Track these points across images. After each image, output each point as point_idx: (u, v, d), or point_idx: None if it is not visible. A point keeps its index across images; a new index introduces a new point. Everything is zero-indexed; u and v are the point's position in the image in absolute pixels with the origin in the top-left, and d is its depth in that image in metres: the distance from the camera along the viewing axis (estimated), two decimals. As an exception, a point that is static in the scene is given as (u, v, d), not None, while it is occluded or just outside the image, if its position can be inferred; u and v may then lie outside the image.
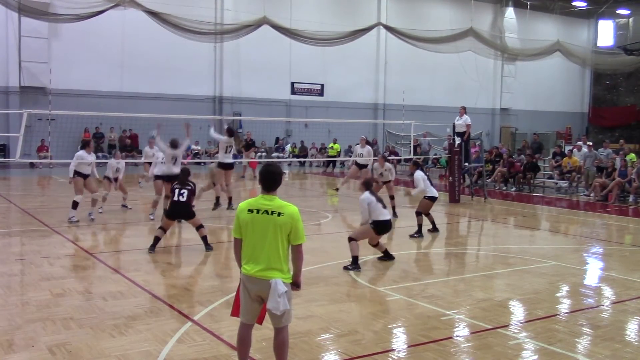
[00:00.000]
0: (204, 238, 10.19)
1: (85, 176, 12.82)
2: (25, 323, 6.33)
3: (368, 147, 17.46)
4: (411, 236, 11.74)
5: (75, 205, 12.56)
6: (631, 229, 14.46)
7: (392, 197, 14.49)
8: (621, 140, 25.55)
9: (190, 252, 10.15)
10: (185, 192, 10.20)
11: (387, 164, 14.90)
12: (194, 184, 10.61)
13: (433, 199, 11.90)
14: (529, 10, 38.42)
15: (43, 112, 18.59)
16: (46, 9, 25.09)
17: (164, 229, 10.19)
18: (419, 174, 12.01)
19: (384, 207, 9.23)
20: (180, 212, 10.21)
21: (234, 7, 30.49)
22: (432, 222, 12.23)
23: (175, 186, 10.32)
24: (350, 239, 9.16)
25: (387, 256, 9.63)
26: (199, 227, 10.22)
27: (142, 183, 18.68)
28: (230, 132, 14.85)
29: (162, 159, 13.59)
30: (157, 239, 10.03)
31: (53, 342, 5.78)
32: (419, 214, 11.83)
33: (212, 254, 9.95)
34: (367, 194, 9.18)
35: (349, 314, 6.87)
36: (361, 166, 17.04)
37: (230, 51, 30.92)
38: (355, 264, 8.97)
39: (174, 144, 13.16)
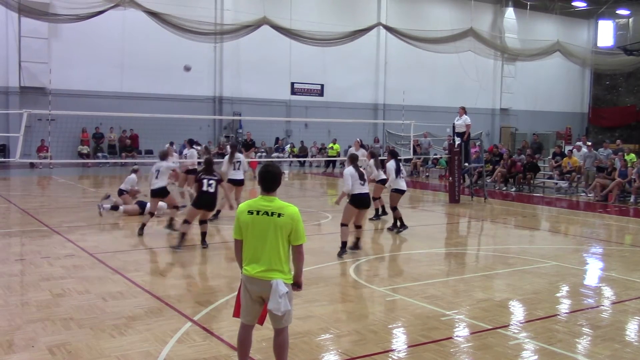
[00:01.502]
0: (204, 234, 10.29)
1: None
2: (25, 323, 6.33)
3: (363, 150, 16.89)
4: (389, 229, 12.40)
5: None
6: (631, 229, 14.46)
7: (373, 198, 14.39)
8: (618, 141, 25.51)
9: (190, 252, 10.14)
10: (213, 182, 10.09)
11: (371, 160, 14.49)
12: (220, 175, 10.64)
13: (401, 192, 12.13)
14: (528, 10, 38.43)
15: (43, 112, 18.62)
16: (46, 9, 25.10)
17: (188, 222, 10.08)
18: (390, 164, 12.15)
19: (363, 183, 9.84)
20: (207, 202, 10.11)
21: (234, 8, 30.50)
22: (399, 219, 12.39)
23: (203, 176, 10.15)
24: (342, 225, 9.89)
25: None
26: (203, 222, 10.28)
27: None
28: (234, 148, 14.11)
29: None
30: (183, 235, 10.03)
31: (53, 343, 5.78)
32: (394, 209, 12.15)
33: (212, 254, 9.95)
34: (351, 168, 9.87)
35: (349, 314, 6.87)
36: None
37: (230, 51, 30.93)
38: (343, 249, 9.79)
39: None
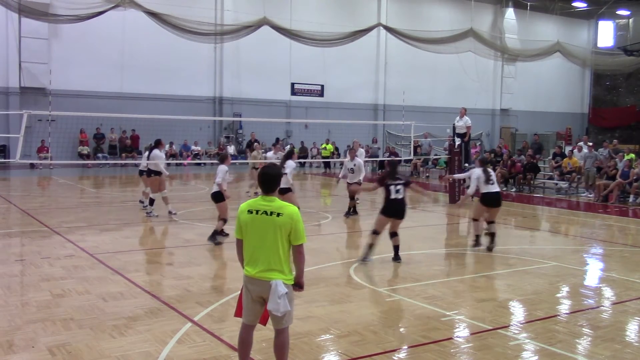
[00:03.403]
0: (396, 248, 9.61)
1: (159, 174, 13.55)
2: (25, 324, 6.33)
3: (362, 149, 16.56)
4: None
5: (152, 202, 13.46)
6: (631, 230, 14.45)
7: (351, 198, 14.39)
8: (615, 141, 25.49)
9: (191, 252, 10.14)
10: (400, 187, 9.32)
11: (358, 160, 14.52)
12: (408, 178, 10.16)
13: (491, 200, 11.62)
14: (529, 11, 38.44)
15: (43, 112, 18.61)
16: (46, 10, 25.10)
17: (377, 232, 9.45)
18: (477, 172, 11.94)
19: (492, 182, 10.51)
20: (398, 209, 9.35)
21: (234, 8, 30.51)
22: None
23: (389, 182, 9.32)
24: (473, 220, 10.84)
25: (491, 237, 10.67)
26: (394, 235, 9.51)
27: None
28: (288, 155, 13.30)
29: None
30: (370, 246, 9.43)
31: (53, 343, 5.78)
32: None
33: (212, 254, 9.95)
34: (479, 170, 10.55)
35: (349, 315, 6.86)
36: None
37: (230, 52, 30.94)
38: (477, 241, 10.74)
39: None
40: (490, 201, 10.54)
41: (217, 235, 10.65)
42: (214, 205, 10.99)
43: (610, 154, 21.18)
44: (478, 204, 10.79)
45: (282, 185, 11.46)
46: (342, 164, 16.75)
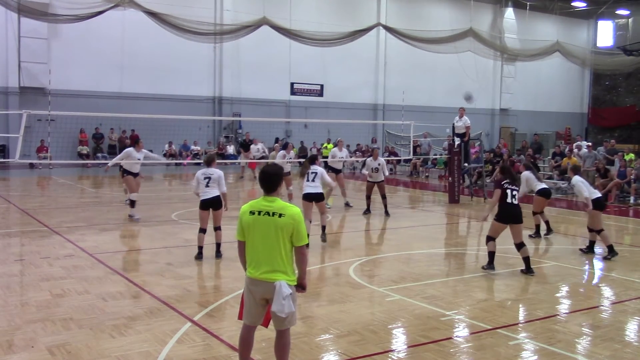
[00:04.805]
0: (527, 260, 9.01)
1: (135, 174, 13.33)
2: (25, 323, 6.33)
3: (345, 150, 16.83)
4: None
5: (133, 203, 13.12)
6: (630, 230, 14.46)
7: (383, 197, 14.80)
8: (612, 141, 25.50)
9: (191, 252, 10.13)
10: (516, 192, 8.92)
11: (380, 159, 14.94)
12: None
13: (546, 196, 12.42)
14: (528, 10, 38.43)
15: (43, 112, 18.60)
16: (46, 10, 25.08)
17: (492, 238, 9.07)
18: (527, 174, 12.51)
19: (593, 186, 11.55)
20: (516, 214, 8.89)
21: (234, 8, 30.49)
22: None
23: (506, 185, 8.90)
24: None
25: (611, 251, 10.25)
26: (521, 246, 9.05)
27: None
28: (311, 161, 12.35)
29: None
30: (492, 255, 9.08)
31: (53, 343, 5.78)
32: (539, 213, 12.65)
33: (212, 254, 9.93)
34: (577, 177, 10.53)
35: (349, 315, 6.86)
36: (336, 171, 16.09)
37: (230, 52, 30.92)
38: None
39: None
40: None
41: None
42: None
43: (604, 154, 21.19)
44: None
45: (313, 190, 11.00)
46: (343, 164, 16.81)
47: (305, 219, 10.05)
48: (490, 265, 9.12)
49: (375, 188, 14.81)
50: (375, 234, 13.02)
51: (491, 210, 9.24)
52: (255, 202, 4.78)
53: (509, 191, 8.82)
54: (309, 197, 10.93)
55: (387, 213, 14.64)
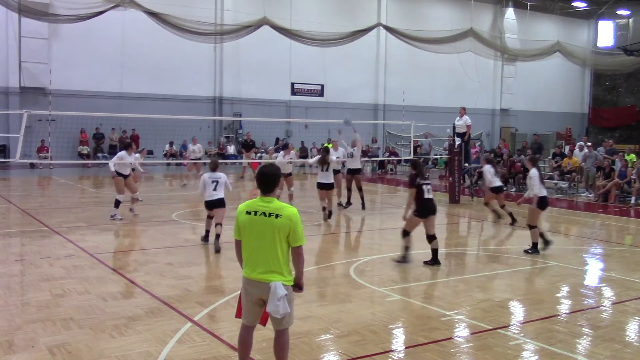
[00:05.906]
0: (435, 252, 9.43)
1: (125, 176, 13.47)
2: (25, 323, 6.33)
3: (342, 149, 16.43)
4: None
5: (117, 204, 13.19)
6: (631, 230, 14.47)
7: (359, 189, 15.65)
8: (610, 141, 25.49)
9: (190, 252, 10.14)
10: (430, 187, 9.44)
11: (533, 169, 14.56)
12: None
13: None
14: (528, 10, 38.43)
15: (43, 112, 18.57)
16: (46, 10, 25.09)
17: (409, 234, 9.49)
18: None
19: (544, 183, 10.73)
20: (432, 208, 9.37)
21: (234, 8, 30.50)
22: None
23: (420, 181, 9.33)
24: (530, 227, 10.41)
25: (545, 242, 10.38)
26: (433, 238, 9.43)
27: None
28: (326, 151, 14.29)
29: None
30: (407, 249, 9.46)
31: (53, 343, 5.78)
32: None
33: (212, 254, 9.94)
34: (535, 170, 10.41)
35: (349, 315, 6.86)
36: (335, 171, 15.72)
37: (230, 52, 30.93)
38: (535, 249, 10.32)
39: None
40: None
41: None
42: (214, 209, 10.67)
43: (603, 154, 21.17)
44: (536, 209, 10.42)
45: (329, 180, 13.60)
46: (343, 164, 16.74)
47: (321, 201, 13.07)
48: (405, 259, 9.41)
49: (354, 181, 15.61)
50: (375, 234, 13.02)
51: (408, 209, 9.54)
52: (252, 202, 4.78)
53: (424, 187, 9.30)
54: (322, 186, 13.45)
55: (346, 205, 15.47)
